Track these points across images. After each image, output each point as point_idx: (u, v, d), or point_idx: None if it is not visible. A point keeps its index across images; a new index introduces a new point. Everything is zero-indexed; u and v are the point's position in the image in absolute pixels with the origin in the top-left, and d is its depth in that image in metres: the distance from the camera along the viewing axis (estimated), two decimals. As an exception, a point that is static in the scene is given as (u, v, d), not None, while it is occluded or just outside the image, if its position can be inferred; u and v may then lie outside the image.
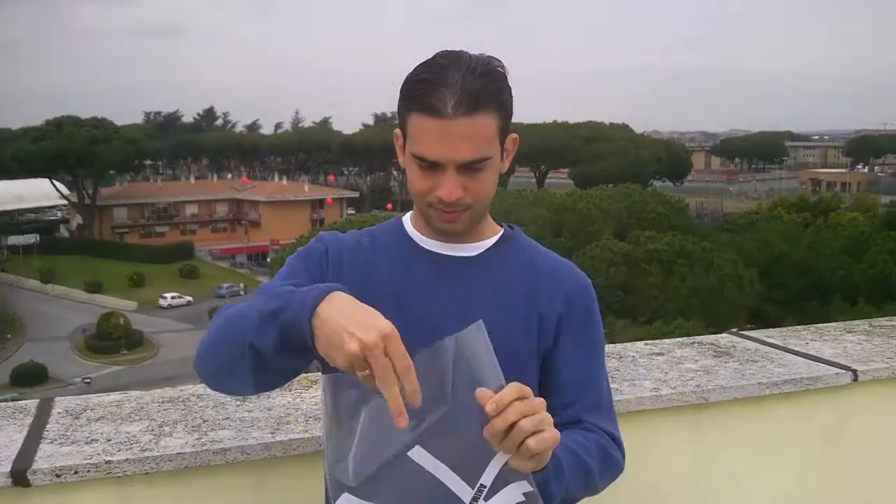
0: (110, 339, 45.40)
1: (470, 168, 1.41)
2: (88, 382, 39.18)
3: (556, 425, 1.36)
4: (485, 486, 1.24)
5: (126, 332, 45.81)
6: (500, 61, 1.43)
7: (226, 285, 58.37)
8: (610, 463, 1.50)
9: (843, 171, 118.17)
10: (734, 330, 3.17)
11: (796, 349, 2.82)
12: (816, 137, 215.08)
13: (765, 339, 2.98)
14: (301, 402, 2.27)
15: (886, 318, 3.41)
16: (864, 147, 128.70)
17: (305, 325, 1.21)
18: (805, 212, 54.35)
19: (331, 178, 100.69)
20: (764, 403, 2.52)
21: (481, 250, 1.57)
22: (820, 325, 3.23)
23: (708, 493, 2.53)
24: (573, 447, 1.41)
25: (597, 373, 1.56)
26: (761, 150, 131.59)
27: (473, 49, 1.44)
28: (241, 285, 58.96)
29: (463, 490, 1.24)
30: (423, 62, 1.43)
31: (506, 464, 1.24)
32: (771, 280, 35.35)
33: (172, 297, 55.83)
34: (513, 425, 1.19)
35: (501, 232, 1.62)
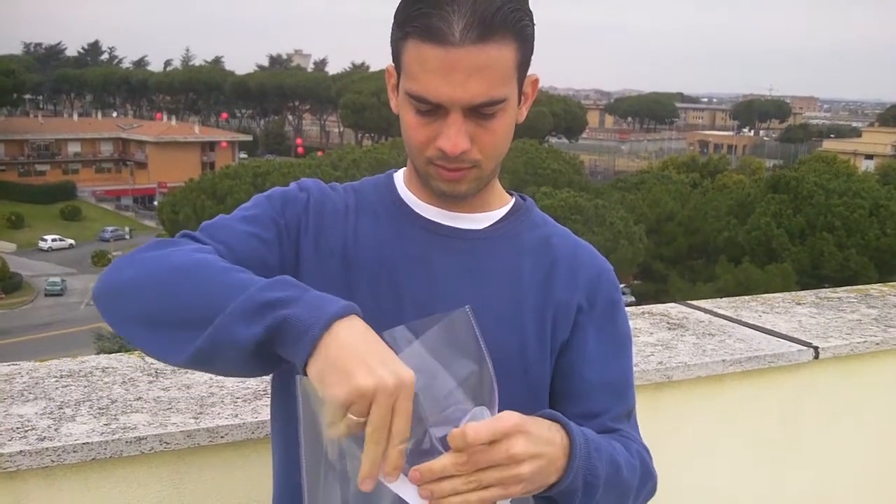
0: (-14, 282, 43.15)
1: (480, 113, 1.12)
2: (-39, 327, 37.21)
3: None
4: None
5: (4, 275, 43.56)
6: None
7: (110, 228, 56.15)
8: (648, 482, 1.24)
9: (730, 133, 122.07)
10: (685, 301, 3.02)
11: (751, 322, 2.69)
12: (706, 100, 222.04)
13: (716, 310, 2.85)
14: (225, 381, 1.98)
15: (830, 289, 3.34)
16: (751, 111, 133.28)
17: (311, 335, 0.94)
18: (694, 172, 55.86)
19: (223, 116, 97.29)
20: (724, 380, 2.38)
21: (490, 222, 1.28)
22: (766, 295, 3.12)
23: (664, 475, 2.37)
24: (616, 458, 1.15)
25: (625, 374, 1.30)
26: (653, 111, 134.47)
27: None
28: (126, 229, 56.90)
29: None
30: None
31: None
32: (659, 237, 36.23)
33: (53, 240, 53.40)
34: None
35: (512, 202, 1.33)
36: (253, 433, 1.77)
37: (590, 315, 1.26)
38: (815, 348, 2.47)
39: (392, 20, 1.15)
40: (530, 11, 1.14)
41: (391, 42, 1.18)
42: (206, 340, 1.00)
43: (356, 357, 0.92)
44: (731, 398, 2.43)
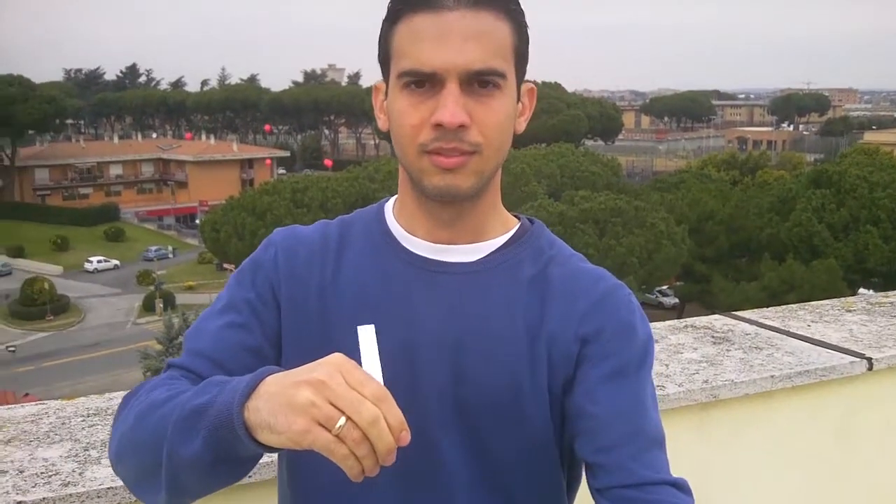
0: (35, 305, 43.89)
1: (478, 84, 1.04)
2: (13, 351, 37.84)
3: (603, 479, 1.08)
4: None
5: (51, 298, 44.34)
6: None
7: (153, 248, 56.94)
8: None
9: (769, 129, 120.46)
10: (731, 312, 2.91)
11: (800, 333, 2.58)
12: (742, 96, 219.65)
13: (762, 321, 2.73)
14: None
15: (882, 293, 3.20)
16: (789, 106, 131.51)
17: (236, 414, 0.89)
18: (733, 170, 55.22)
19: (267, 128, 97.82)
20: (774, 397, 2.27)
21: (484, 254, 1.17)
22: (814, 303, 3.00)
23: (716, 498, 2.27)
24: None
25: (637, 403, 1.13)
26: (689, 109, 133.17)
27: None
28: (170, 248, 57.67)
29: None
30: None
31: None
32: (701, 237, 35.72)
33: (98, 261, 54.24)
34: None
35: (516, 227, 1.22)
36: (275, 471, 1.72)
37: (597, 344, 1.13)
38: (869, 359, 2.35)
39: (382, 20, 1.11)
40: (521, 7, 1.11)
41: (379, 45, 1.12)
42: (166, 474, 0.98)
43: (283, 386, 0.88)
44: (781, 416, 2.32)
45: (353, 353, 0.97)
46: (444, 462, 1.14)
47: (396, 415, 0.86)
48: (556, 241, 1.25)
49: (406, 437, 0.86)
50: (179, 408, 0.97)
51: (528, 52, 1.12)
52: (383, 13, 1.11)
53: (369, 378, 0.87)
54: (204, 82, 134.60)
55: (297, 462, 1.20)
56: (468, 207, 1.15)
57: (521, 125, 1.15)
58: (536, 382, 1.13)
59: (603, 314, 1.14)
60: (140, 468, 1.04)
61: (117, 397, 2.07)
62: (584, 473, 1.17)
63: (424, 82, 1.05)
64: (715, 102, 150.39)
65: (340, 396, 0.84)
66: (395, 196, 1.25)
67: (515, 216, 1.25)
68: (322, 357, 1.13)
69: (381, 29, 1.11)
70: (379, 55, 1.13)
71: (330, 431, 0.84)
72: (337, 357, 0.88)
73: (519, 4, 1.10)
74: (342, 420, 0.84)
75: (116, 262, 54.62)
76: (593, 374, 1.12)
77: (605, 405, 1.11)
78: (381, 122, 1.16)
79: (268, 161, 75.55)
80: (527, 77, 1.16)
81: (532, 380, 1.12)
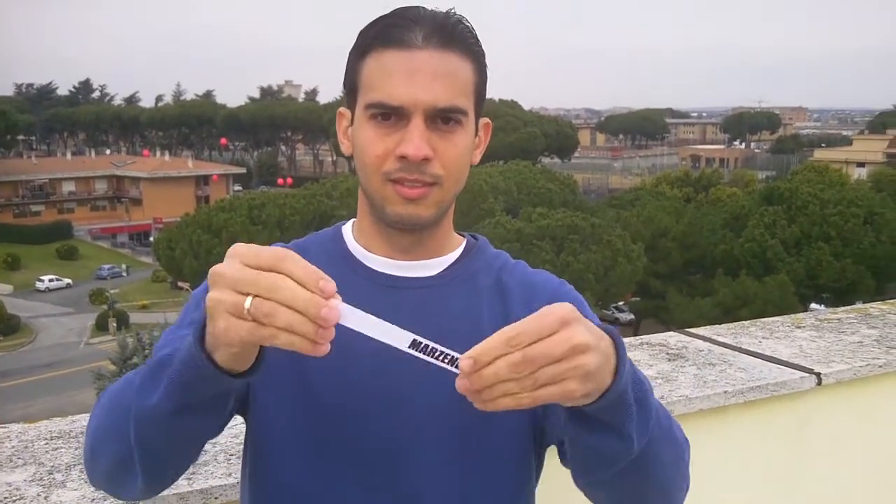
0: (-17, 325, 42.94)
1: (441, 121, 1.11)
2: (-41, 372, 36.96)
3: None
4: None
5: (1, 318, 43.37)
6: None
7: (107, 266, 55.99)
8: (686, 455, 1.16)
9: (722, 147, 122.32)
10: (686, 329, 2.98)
11: (751, 349, 2.66)
12: (695, 115, 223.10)
13: (715, 337, 2.81)
14: (218, 437, 1.93)
15: (829, 309, 3.30)
16: (741, 124, 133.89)
17: (195, 345, 0.92)
18: (687, 187, 56.00)
19: (222, 141, 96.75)
20: (728, 412, 2.34)
21: (442, 268, 1.24)
22: (766, 319, 3.08)
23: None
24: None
25: None
26: (643, 128, 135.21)
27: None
28: (123, 266, 56.80)
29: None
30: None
31: None
32: (656, 254, 36.15)
33: (50, 280, 53.19)
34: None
35: (465, 243, 1.30)
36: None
37: None
38: (818, 374, 2.43)
39: (350, 52, 1.16)
40: (482, 49, 1.18)
41: (346, 74, 1.17)
42: (138, 448, 1.01)
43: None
44: (734, 430, 2.39)
45: (325, 369, 1.06)
46: (418, 462, 1.17)
47: (303, 267, 0.85)
48: (500, 252, 1.33)
49: (327, 285, 0.85)
50: (145, 367, 1.00)
51: (485, 89, 1.19)
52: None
53: (263, 248, 0.87)
54: (159, 98, 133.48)
55: (259, 459, 1.22)
56: (427, 234, 1.21)
57: (477, 157, 1.22)
58: None
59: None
60: (114, 457, 1.05)
61: (81, 419, 2.07)
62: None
63: (391, 115, 1.10)
64: (669, 121, 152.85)
65: (237, 280, 0.84)
66: (352, 220, 1.30)
67: (460, 234, 1.32)
68: (291, 378, 1.16)
69: (349, 59, 1.16)
70: (345, 83, 1.18)
71: (245, 319, 0.84)
72: (233, 247, 0.88)
73: (481, 45, 1.17)
74: (248, 301, 0.84)
75: (69, 280, 53.63)
76: None
77: None
78: (345, 147, 1.21)
79: (214, 177, 74.67)
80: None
81: None
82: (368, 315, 0.90)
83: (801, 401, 2.45)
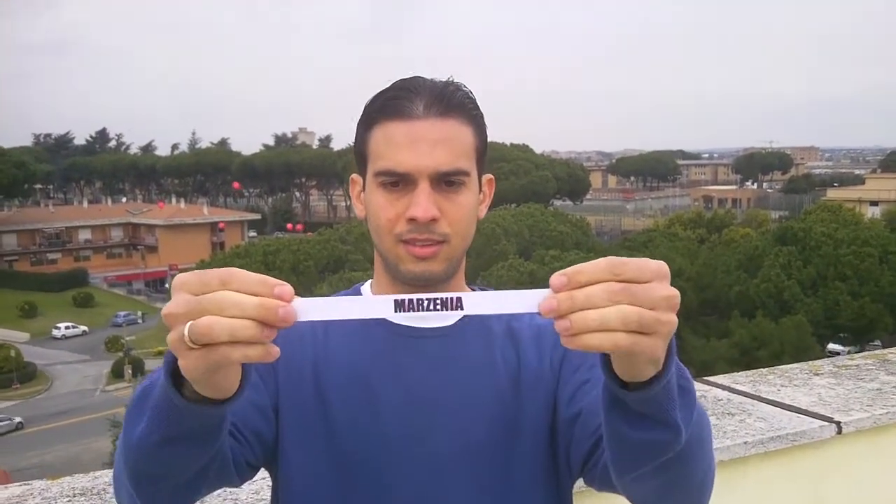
0: (1, 374, 43.00)
1: (445, 184, 1.19)
2: (-24, 421, 36.98)
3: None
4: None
5: (18, 365, 43.50)
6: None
7: (122, 313, 56.29)
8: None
9: (734, 187, 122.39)
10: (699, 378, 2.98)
11: (770, 398, 2.66)
12: (706, 155, 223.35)
13: (734, 385, 2.82)
14: (239, 493, 1.96)
15: (847, 356, 3.30)
16: (752, 164, 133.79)
17: (167, 384, 0.91)
18: (700, 228, 55.91)
19: (235, 185, 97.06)
20: (748, 463, 2.34)
21: (457, 317, 1.30)
22: (783, 367, 3.09)
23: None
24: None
25: None
26: (655, 169, 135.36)
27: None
28: (139, 313, 57.04)
29: None
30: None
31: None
32: (671, 295, 36.03)
33: (67, 327, 53.45)
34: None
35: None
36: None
37: (567, 362, 1.26)
38: (838, 423, 2.44)
39: (356, 126, 1.24)
40: (482, 112, 1.25)
41: (356, 144, 1.25)
42: (125, 462, 1.01)
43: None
44: (755, 481, 2.39)
45: (353, 423, 1.14)
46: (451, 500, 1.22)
47: (252, 277, 0.84)
48: None
49: (283, 289, 0.83)
50: (133, 396, 1.01)
51: (486, 148, 1.27)
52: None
53: (207, 271, 0.85)
54: (174, 146, 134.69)
55: (288, 491, 1.25)
56: (440, 288, 1.26)
57: (483, 212, 1.30)
58: (533, 415, 1.25)
59: None
60: (128, 500, 1.07)
61: (103, 475, 2.09)
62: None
63: (399, 181, 1.18)
64: (680, 162, 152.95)
65: (187, 311, 0.83)
66: (370, 280, 1.38)
67: (470, 286, 1.38)
68: (320, 434, 1.20)
69: (357, 130, 1.25)
70: (355, 153, 1.27)
71: (193, 348, 0.83)
72: (176, 278, 0.86)
73: (479, 109, 1.25)
74: (185, 329, 0.82)
75: (85, 328, 53.88)
76: (572, 383, 1.24)
77: (589, 397, 1.19)
78: (359, 211, 1.29)
79: (221, 224, 75.16)
80: (497, 139, 1.29)
81: (522, 416, 1.24)
82: (333, 298, 0.87)
83: (821, 450, 2.45)
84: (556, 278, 0.82)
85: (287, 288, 0.84)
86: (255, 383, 1.20)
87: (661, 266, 0.84)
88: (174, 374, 0.91)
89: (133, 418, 0.99)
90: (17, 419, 37.07)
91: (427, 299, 0.86)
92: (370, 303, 0.87)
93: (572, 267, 0.82)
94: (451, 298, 0.86)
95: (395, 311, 0.86)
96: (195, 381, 0.88)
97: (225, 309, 0.81)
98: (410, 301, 0.85)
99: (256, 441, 1.18)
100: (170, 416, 0.93)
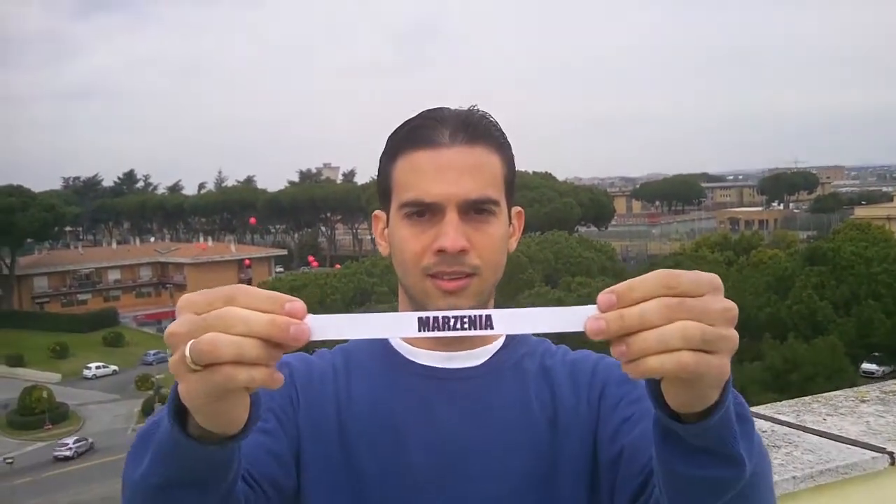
0: (33, 415, 43.29)
1: (473, 212, 1.13)
2: (10, 462, 37.20)
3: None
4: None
5: (50, 406, 43.80)
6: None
7: (152, 352, 56.54)
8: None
9: (760, 209, 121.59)
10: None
11: (816, 428, 2.57)
12: (731, 177, 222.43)
13: (777, 416, 2.73)
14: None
15: (892, 380, 3.20)
16: (778, 185, 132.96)
17: (170, 419, 0.84)
18: (727, 250, 55.47)
19: (252, 220, 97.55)
20: (798, 497, 2.25)
21: (487, 356, 1.24)
22: (827, 394, 3.00)
23: None
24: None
25: None
26: (679, 193, 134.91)
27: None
28: (168, 351, 57.21)
29: None
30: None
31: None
32: (701, 320, 35.71)
33: (97, 367, 53.82)
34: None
35: None
36: None
37: (605, 399, 1.20)
38: (891, 454, 2.35)
39: (380, 157, 1.21)
40: (508, 141, 1.21)
41: (379, 178, 1.21)
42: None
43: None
44: (806, 515, 2.30)
45: (379, 469, 1.10)
46: None
47: (262, 294, 0.77)
48: (543, 339, 1.33)
49: (295, 306, 0.76)
50: (137, 434, 0.95)
51: (515, 180, 1.22)
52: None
53: (213, 290, 0.78)
54: (201, 185, 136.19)
55: None
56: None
57: (513, 245, 1.24)
58: (566, 460, 1.18)
59: (599, 374, 1.23)
60: None
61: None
62: None
63: (425, 212, 1.13)
64: (704, 185, 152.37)
65: (191, 331, 0.76)
66: None
67: None
68: (345, 480, 1.14)
69: (381, 163, 1.21)
70: (378, 188, 1.22)
71: (195, 370, 0.76)
72: (181, 298, 0.81)
73: (506, 138, 1.21)
74: (187, 348, 0.76)
75: (115, 367, 54.20)
76: (612, 420, 1.17)
77: (632, 434, 1.13)
78: (383, 249, 1.24)
79: (247, 261, 75.67)
80: (519, 168, 1.24)
81: (560, 459, 1.18)
82: (352, 315, 0.81)
83: (874, 482, 2.36)
84: (604, 297, 0.74)
85: (299, 304, 0.77)
86: (272, 430, 1.16)
87: (715, 278, 0.77)
88: (179, 412, 0.85)
89: (135, 457, 0.92)
90: (90, 439, 39.27)
91: (454, 317, 0.80)
92: (392, 320, 0.81)
93: (621, 283, 0.75)
94: (480, 317, 0.79)
95: (420, 330, 0.80)
96: (197, 410, 0.80)
97: (231, 326, 0.74)
98: (436, 319, 0.80)
99: (273, 490, 1.11)
100: (172, 455, 0.86)
